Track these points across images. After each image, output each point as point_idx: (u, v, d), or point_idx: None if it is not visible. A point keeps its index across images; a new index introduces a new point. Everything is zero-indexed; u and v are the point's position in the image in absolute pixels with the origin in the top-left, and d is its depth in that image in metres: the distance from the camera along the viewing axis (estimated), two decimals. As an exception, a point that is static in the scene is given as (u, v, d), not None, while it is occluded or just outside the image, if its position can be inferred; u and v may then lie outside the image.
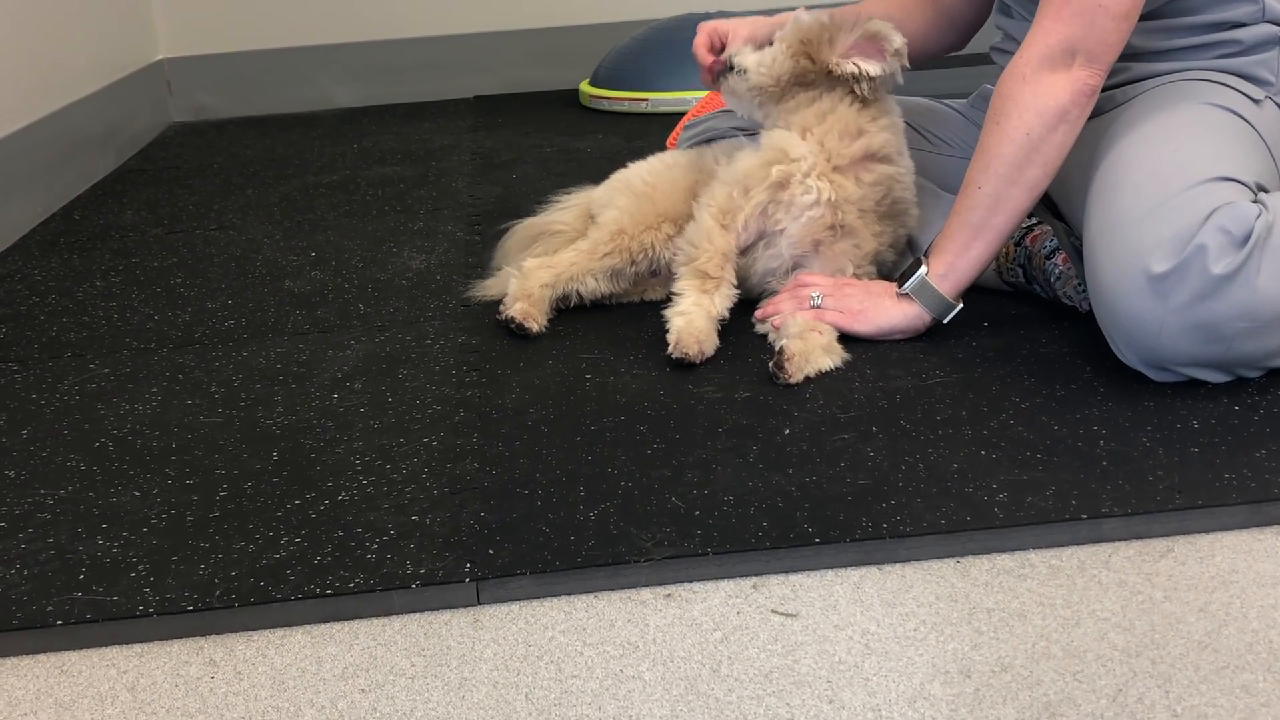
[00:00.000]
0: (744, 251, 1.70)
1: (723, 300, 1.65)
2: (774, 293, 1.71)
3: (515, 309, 1.74)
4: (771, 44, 1.72)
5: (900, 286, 1.60)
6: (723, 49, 1.81)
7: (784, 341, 1.56)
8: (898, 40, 1.63)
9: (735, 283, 1.68)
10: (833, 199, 1.64)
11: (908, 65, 1.65)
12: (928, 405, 1.45)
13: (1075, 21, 1.46)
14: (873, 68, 1.63)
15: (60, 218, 2.64)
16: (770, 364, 1.54)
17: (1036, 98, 1.48)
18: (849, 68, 1.64)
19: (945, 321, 1.60)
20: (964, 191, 1.54)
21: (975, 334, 1.63)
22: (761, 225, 1.69)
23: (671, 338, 1.61)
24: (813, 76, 1.68)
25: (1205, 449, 1.31)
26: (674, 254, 1.73)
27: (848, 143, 1.66)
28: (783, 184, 1.65)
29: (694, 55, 1.83)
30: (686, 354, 1.58)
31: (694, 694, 1.02)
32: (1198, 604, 1.10)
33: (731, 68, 1.75)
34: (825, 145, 1.65)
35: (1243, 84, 1.56)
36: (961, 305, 1.59)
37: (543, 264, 1.79)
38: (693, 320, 1.61)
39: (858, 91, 1.66)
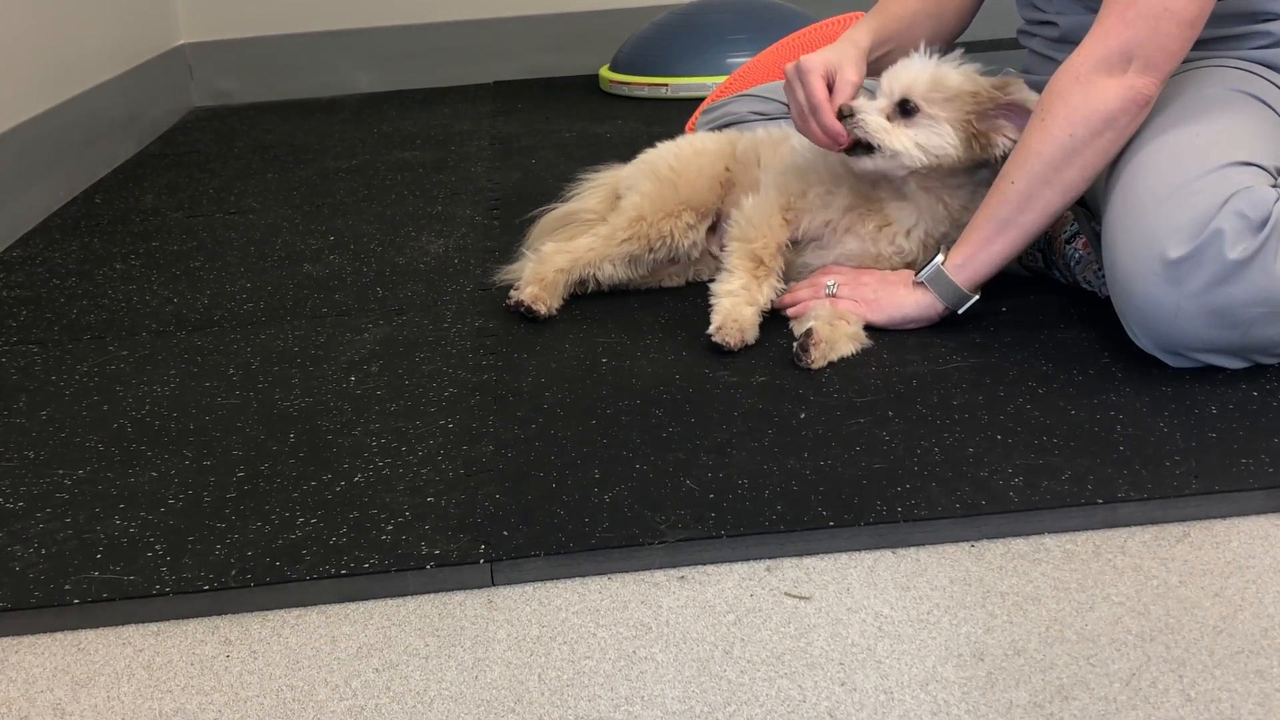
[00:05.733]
0: (794, 243, 1.70)
1: (769, 290, 1.63)
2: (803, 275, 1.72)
3: (526, 292, 1.74)
4: (874, 91, 1.59)
5: (916, 275, 1.59)
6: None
7: (813, 323, 1.55)
8: (1033, 101, 1.53)
9: (783, 274, 1.66)
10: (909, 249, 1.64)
11: None
12: (944, 390, 1.45)
13: (1139, 24, 1.41)
14: (1016, 137, 1.54)
15: (81, 201, 2.65)
16: (795, 345, 1.53)
17: (1086, 99, 1.43)
18: (1004, 145, 1.56)
19: (960, 313, 1.58)
20: (996, 184, 1.51)
21: (992, 318, 1.63)
22: (823, 233, 1.69)
23: (716, 319, 1.59)
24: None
25: (1223, 434, 1.31)
26: (726, 225, 1.73)
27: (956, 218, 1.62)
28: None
29: (811, 103, 1.57)
30: (727, 341, 1.57)
31: (706, 675, 1.02)
32: (1213, 589, 1.09)
33: (873, 146, 1.56)
34: (936, 214, 1.62)
35: (1269, 72, 1.55)
36: (978, 298, 1.57)
37: (560, 249, 1.78)
38: (739, 306, 1.60)
39: (992, 162, 1.58)
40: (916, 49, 1.60)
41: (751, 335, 1.60)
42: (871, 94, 1.62)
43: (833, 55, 1.61)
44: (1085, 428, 1.34)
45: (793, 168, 1.69)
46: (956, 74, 1.56)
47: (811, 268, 1.71)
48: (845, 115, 1.56)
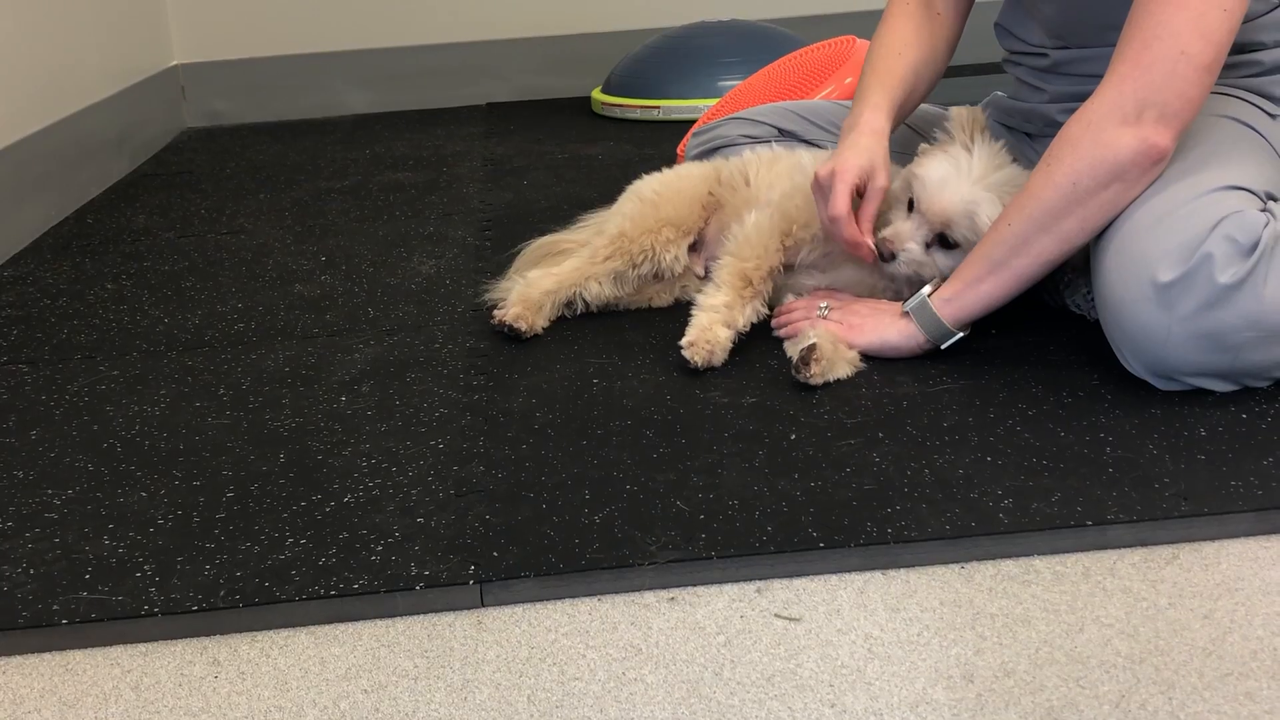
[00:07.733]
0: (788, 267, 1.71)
1: (751, 313, 1.64)
2: (799, 295, 1.72)
3: (510, 312, 1.74)
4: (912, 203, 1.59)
5: (905, 304, 1.59)
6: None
7: (817, 340, 1.54)
8: None
9: (768, 298, 1.67)
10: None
11: None
12: (934, 411, 1.45)
13: (1154, 69, 1.36)
14: None
15: (73, 221, 2.65)
16: (795, 358, 1.53)
17: (1095, 148, 1.39)
18: None
19: (943, 348, 1.57)
20: (995, 224, 1.49)
21: (982, 341, 1.63)
22: (821, 263, 1.70)
23: (690, 334, 1.60)
24: None
25: (1212, 457, 1.31)
26: (723, 239, 1.72)
27: None
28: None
29: (831, 214, 1.58)
30: (694, 360, 1.57)
31: (696, 697, 1.02)
32: (1202, 611, 1.09)
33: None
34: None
35: (1259, 100, 1.56)
36: (963, 334, 1.55)
37: (546, 273, 1.80)
38: (715, 326, 1.60)
39: None
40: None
41: (719, 358, 1.60)
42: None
43: (864, 158, 1.59)
44: (1075, 450, 1.34)
45: (801, 191, 1.69)
46: (998, 208, 1.53)
47: (807, 289, 1.72)
48: (886, 255, 1.59)
